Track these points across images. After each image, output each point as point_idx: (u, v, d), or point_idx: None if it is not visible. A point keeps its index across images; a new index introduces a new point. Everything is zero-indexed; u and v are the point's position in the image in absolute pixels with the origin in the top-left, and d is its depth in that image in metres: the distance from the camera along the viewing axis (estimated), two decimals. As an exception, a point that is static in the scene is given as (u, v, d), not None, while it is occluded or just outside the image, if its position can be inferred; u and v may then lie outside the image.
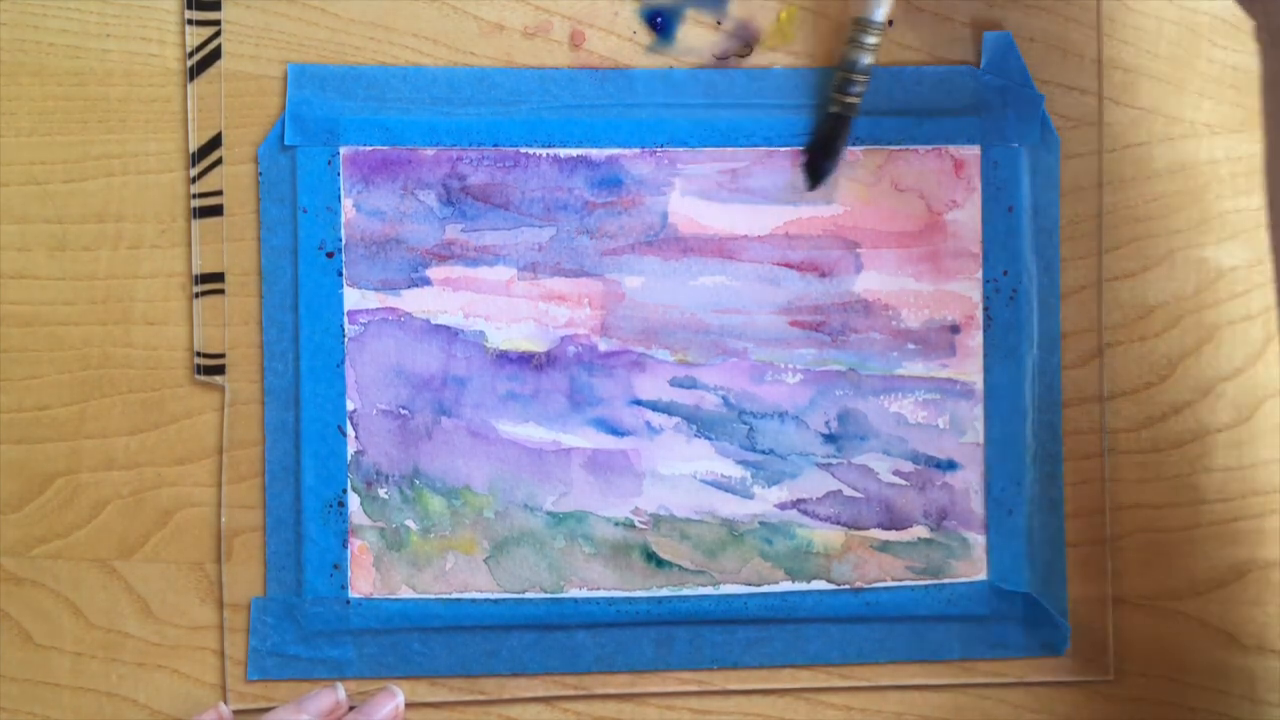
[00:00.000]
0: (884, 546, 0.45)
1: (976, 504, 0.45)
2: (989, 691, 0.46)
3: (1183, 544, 0.46)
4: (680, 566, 0.45)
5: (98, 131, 0.44)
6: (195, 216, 0.45)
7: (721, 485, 0.45)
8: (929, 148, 0.45)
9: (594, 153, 0.45)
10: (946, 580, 0.45)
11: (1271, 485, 0.46)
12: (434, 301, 0.45)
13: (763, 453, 0.45)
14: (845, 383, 0.45)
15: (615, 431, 0.45)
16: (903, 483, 0.45)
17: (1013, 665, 0.46)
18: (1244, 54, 0.46)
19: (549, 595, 0.45)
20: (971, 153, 0.45)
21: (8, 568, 0.45)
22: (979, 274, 0.45)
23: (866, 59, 0.43)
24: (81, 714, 0.45)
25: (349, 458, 0.45)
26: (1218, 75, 0.46)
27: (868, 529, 0.45)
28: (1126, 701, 0.46)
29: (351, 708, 0.43)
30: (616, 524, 0.45)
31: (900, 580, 0.45)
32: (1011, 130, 0.45)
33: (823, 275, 0.45)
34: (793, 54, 0.45)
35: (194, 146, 0.45)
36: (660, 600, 0.45)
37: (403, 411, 0.45)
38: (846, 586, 0.45)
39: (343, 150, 0.44)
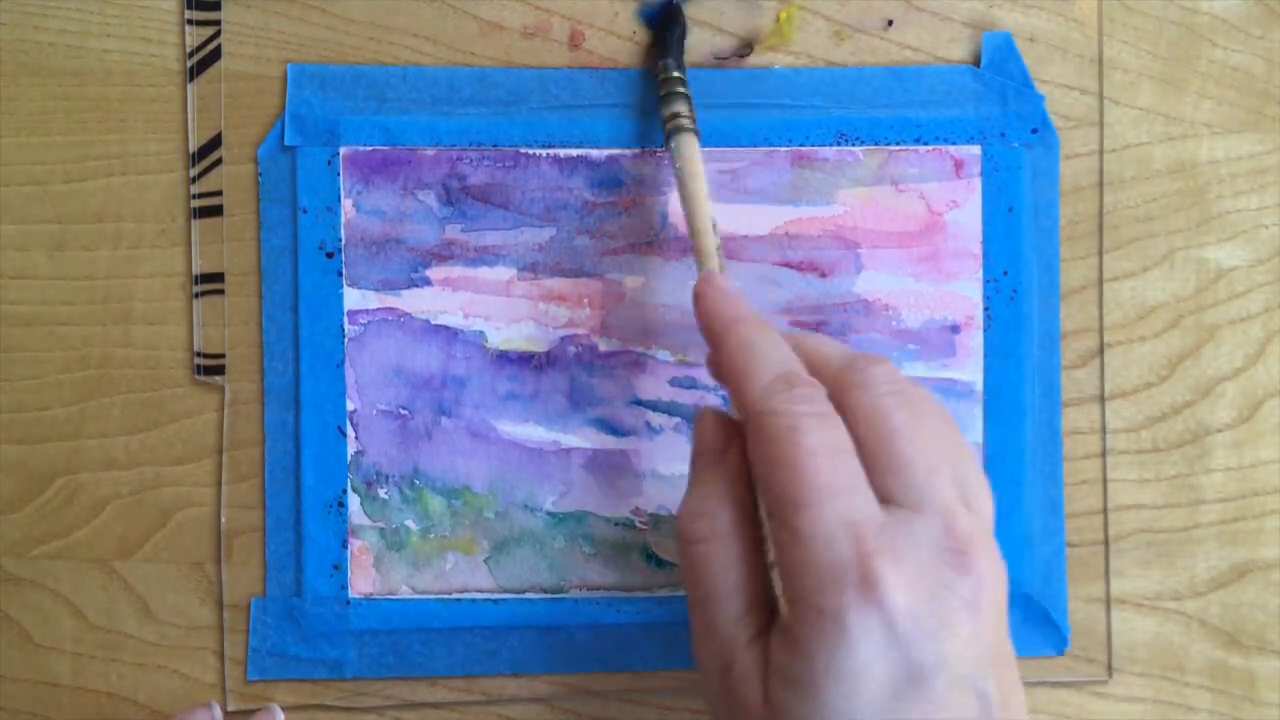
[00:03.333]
0: (884, 546, 0.45)
1: (976, 504, 0.45)
2: (989, 691, 0.46)
3: (1183, 544, 0.46)
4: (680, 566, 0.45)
5: (97, 131, 0.44)
6: (195, 217, 0.45)
7: (721, 485, 0.45)
8: (929, 147, 0.45)
9: (594, 153, 0.45)
10: (946, 580, 0.45)
11: (1271, 485, 0.46)
12: (434, 301, 0.45)
13: (763, 453, 0.45)
14: (845, 383, 0.45)
15: (615, 431, 0.45)
16: (903, 483, 0.45)
17: (1013, 665, 0.46)
18: (1244, 54, 0.46)
19: (549, 595, 0.45)
20: (971, 153, 0.45)
21: (8, 568, 0.45)
22: (979, 274, 0.45)
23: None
24: (81, 714, 0.45)
25: (349, 458, 0.45)
26: (1218, 75, 0.46)
27: (868, 529, 0.45)
28: (1126, 701, 0.46)
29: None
30: (616, 524, 0.45)
31: (900, 580, 0.45)
32: (1011, 130, 0.45)
33: (823, 275, 0.45)
34: (793, 54, 0.45)
35: (194, 147, 0.45)
36: (660, 600, 0.45)
37: (403, 412, 0.45)
38: (846, 586, 0.45)
39: (342, 150, 0.44)
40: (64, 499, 0.45)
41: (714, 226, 0.41)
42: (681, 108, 0.43)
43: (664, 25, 0.45)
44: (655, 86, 0.44)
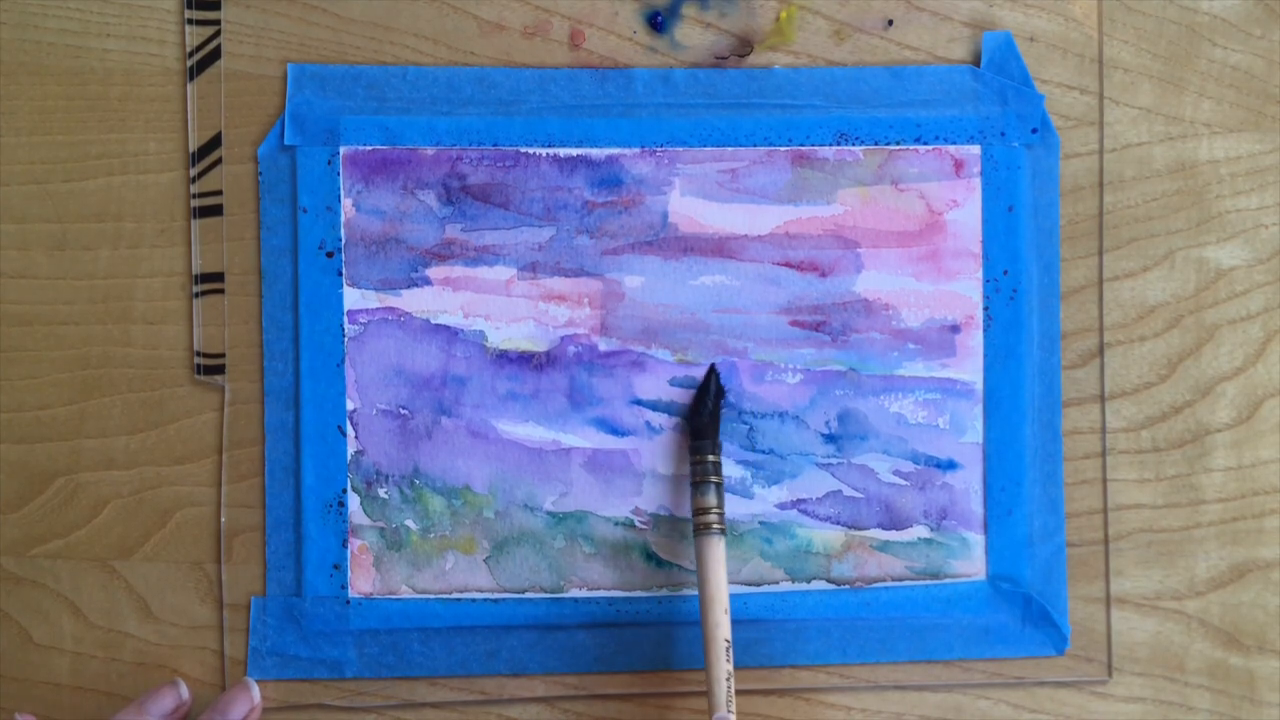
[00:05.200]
0: (884, 546, 0.45)
1: (976, 504, 0.45)
2: (989, 691, 0.46)
3: (1183, 544, 0.46)
4: (680, 566, 0.45)
5: (98, 131, 0.44)
6: (195, 216, 0.45)
7: (721, 485, 0.45)
8: (929, 147, 0.45)
9: (594, 152, 0.45)
10: (946, 580, 0.45)
11: (1271, 485, 0.46)
12: (434, 301, 0.45)
13: (763, 452, 0.45)
14: (845, 382, 0.45)
15: (615, 431, 0.45)
16: (903, 482, 0.45)
17: (1012, 665, 0.46)
18: (1244, 54, 0.46)
19: (549, 595, 0.45)
20: (971, 152, 0.45)
21: (8, 568, 0.45)
22: (979, 274, 0.45)
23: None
24: (81, 714, 0.45)
25: (349, 457, 0.45)
26: (1218, 75, 0.46)
27: (868, 529, 0.45)
28: (1126, 701, 0.46)
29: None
30: (616, 524, 0.45)
31: (900, 580, 0.45)
32: (1011, 130, 0.45)
33: (823, 275, 0.45)
34: (792, 54, 0.45)
35: (194, 146, 0.45)
36: (660, 600, 0.45)
37: (402, 411, 0.45)
38: (846, 586, 0.45)
39: (342, 150, 0.44)
40: (64, 499, 0.45)
41: (728, 650, 0.41)
42: (713, 500, 0.43)
43: (701, 390, 0.44)
44: (690, 462, 0.44)
